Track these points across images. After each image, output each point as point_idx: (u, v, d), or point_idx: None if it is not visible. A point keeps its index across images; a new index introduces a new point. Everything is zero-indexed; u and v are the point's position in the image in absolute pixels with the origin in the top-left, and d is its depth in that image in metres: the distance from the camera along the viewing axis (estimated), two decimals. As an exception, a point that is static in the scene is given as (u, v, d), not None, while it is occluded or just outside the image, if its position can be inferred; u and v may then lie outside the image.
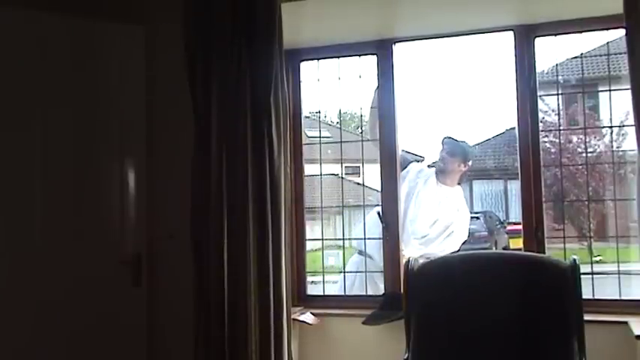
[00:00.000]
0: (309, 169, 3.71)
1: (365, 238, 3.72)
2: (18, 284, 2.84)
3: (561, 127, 8.17)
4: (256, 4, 2.84)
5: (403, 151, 3.86)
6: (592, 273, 3.15)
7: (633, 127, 2.58)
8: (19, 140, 2.92)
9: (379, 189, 3.47)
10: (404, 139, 3.62)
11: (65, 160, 3.03)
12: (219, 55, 2.86)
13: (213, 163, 2.83)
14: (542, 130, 3.26)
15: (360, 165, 3.84)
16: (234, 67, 2.85)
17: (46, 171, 2.98)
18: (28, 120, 2.94)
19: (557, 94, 5.72)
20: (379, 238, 3.46)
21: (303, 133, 3.63)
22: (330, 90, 3.77)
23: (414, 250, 3.74)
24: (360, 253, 3.88)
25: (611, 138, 5.51)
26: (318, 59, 3.62)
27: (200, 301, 2.81)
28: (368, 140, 3.71)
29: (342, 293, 3.82)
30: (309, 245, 3.63)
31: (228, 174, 2.82)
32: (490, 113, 26.29)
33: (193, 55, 2.89)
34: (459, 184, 4.08)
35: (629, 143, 3.19)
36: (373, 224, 3.59)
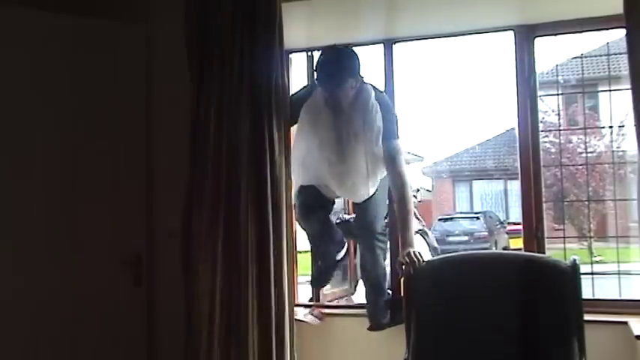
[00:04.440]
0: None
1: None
2: (18, 284, 2.84)
3: (561, 127, 8.16)
4: (256, 2, 2.84)
5: None
6: (592, 273, 3.15)
7: (633, 127, 2.58)
8: (19, 140, 2.92)
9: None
10: (405, 139, 3.61)
11: (65, 160, 3.03)
12: (219, 53, 2.86)
13: (212, 163, 2.82)
14: (542, 131, 3.26)
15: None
16: (235, 65, 2.85)
17: (46, 171, 2.98)
18: (28, 119, 2.94)
19: (557, 95, 5.72)
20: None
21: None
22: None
23: None
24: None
25: (611, 138, 5.52)
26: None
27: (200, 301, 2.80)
28: None
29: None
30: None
31: (228, 173, 2.82)
32: (490, 113, 26.30)
33: (194, 51, 2.89)
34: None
35: (629, 143, 3.20)
36: None
